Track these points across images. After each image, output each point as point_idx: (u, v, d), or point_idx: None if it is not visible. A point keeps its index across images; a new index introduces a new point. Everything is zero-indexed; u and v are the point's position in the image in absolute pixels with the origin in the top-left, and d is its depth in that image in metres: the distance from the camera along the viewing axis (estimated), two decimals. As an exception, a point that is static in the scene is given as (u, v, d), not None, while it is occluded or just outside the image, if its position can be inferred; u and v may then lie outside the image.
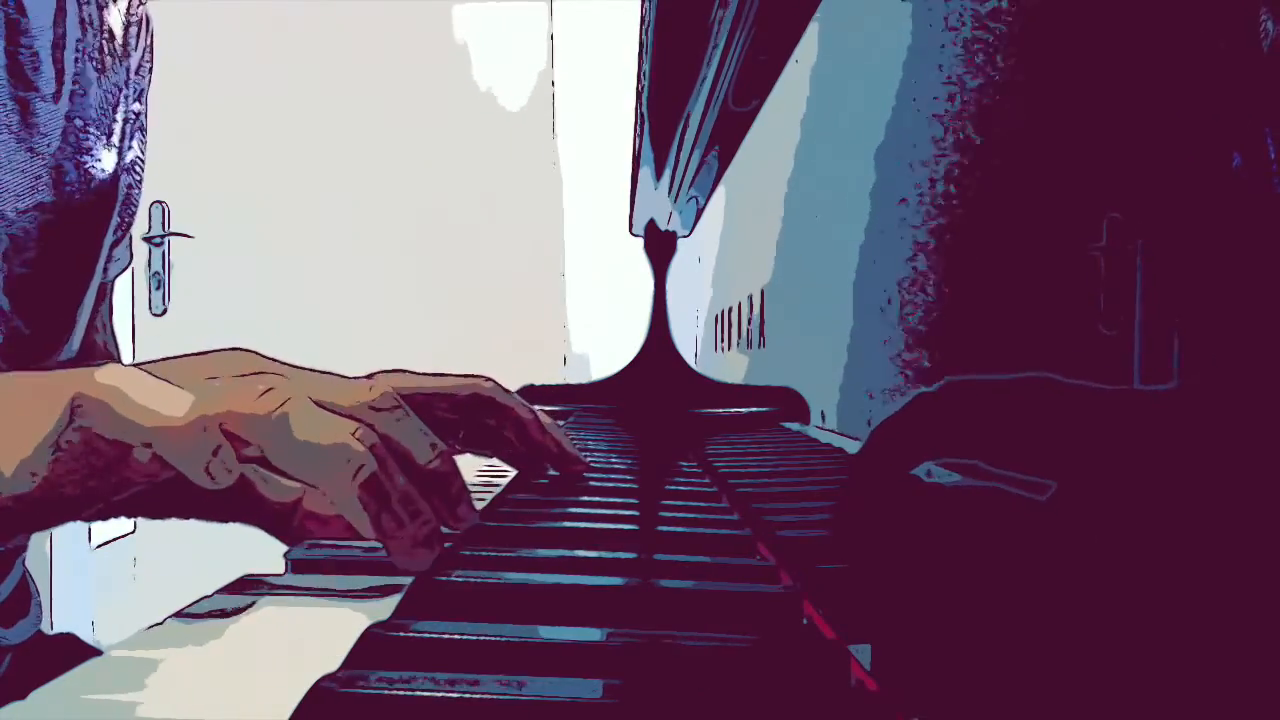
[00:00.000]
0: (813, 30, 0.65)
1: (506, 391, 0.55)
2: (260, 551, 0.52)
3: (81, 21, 0.68)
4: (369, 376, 0.48)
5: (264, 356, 0.46)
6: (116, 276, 0.76)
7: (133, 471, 0.40)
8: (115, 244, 0.73)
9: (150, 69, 0.76)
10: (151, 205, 2.56)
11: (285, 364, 0.46)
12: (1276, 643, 0.18)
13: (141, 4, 0.75)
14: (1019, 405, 0.31)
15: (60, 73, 0.65)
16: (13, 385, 0.43)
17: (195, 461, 0.38)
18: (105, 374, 0.40)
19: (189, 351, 0.48)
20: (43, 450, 0.40)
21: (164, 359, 0.46)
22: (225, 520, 0.57)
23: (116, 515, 0.46)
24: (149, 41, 0.76)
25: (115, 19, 0.71)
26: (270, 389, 0.39)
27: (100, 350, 0.76)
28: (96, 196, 0.68)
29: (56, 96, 0.65)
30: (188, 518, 0.56)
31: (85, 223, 0.68)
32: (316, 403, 0.40)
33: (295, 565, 0.48)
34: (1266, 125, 0.19)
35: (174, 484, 0.40)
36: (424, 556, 0.40)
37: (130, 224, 0.76)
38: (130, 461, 0.40)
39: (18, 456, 0.40)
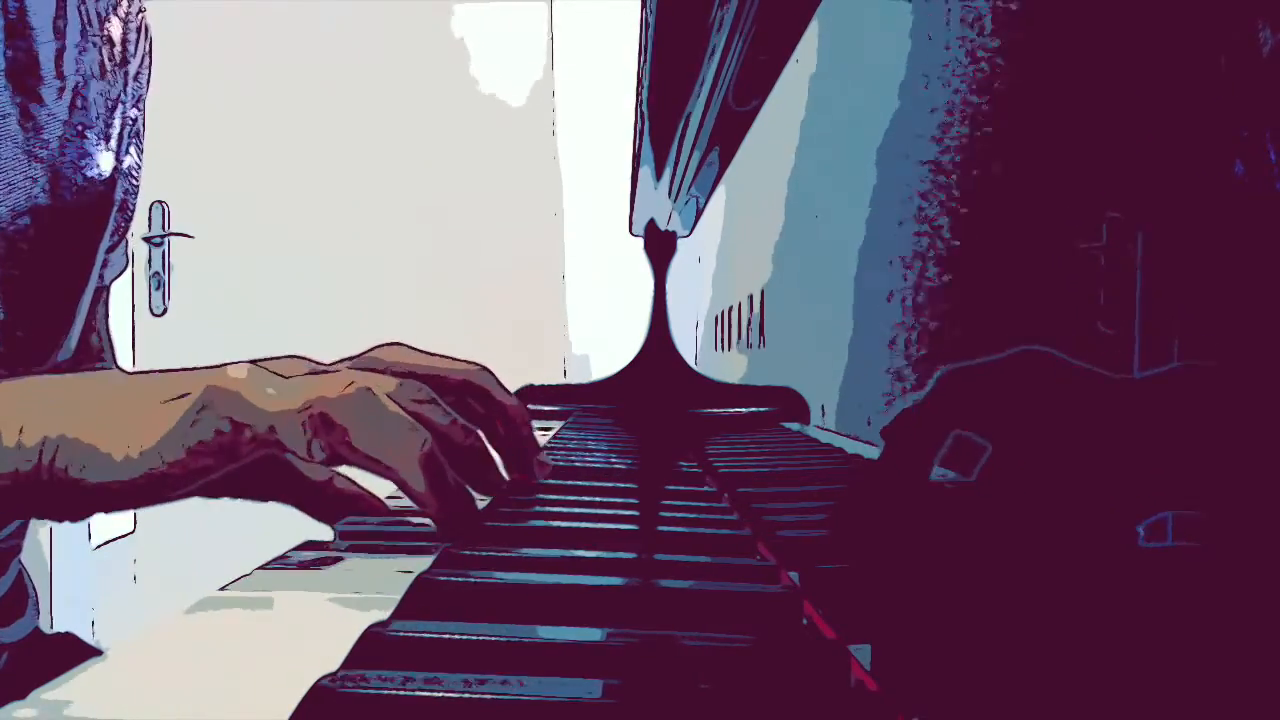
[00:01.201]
0: (813, 30, 0.65)
1: (501, 386, 0.58)
2: (260, 551, 0.52)
3: (83, 27, 0.68)
4: (370, 351, 0.55)
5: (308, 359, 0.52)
6: (113, 280, 0.76)
7: (243, 452, 0.46)
8: (111, 249, 0.73)
9: (148, 76, 0.77)
10: (151, 205, 2.56)
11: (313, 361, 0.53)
12: (1277, 645, 0.18)
13: (141, 11, 0.75)
14: (1022, 388, 0.31)
15: (61, 77, 0.65)
16: (148, 379, 0.48)
17: (302, 441, 0.45)
18: (234, 369, 0.47)
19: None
20: (179, 430, 0.45)
21: (269, 359, 0.51)
22: (268, 499, 0.60)
23: (198, 495, 0.50)
24: (148, 48, 0.76)
25: (115, 25, 0.71)
26: (352, 382, 0.46)
27: (95, 353, 0.76)
28: (94, 201, 0.68)
29: (56, 101, 0.65)
30: (239, 497, 0.60)
31: (82, 227, 0.68)
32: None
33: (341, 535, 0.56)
34: (1267, 128, 0.19)
35: (253, 465, 0.47)
36: (463, 525, 0.48)
37: (127, 230, 0.77)
38: (242, 444, 0.46)
39: (156, 436, 0.45)
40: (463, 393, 0.56)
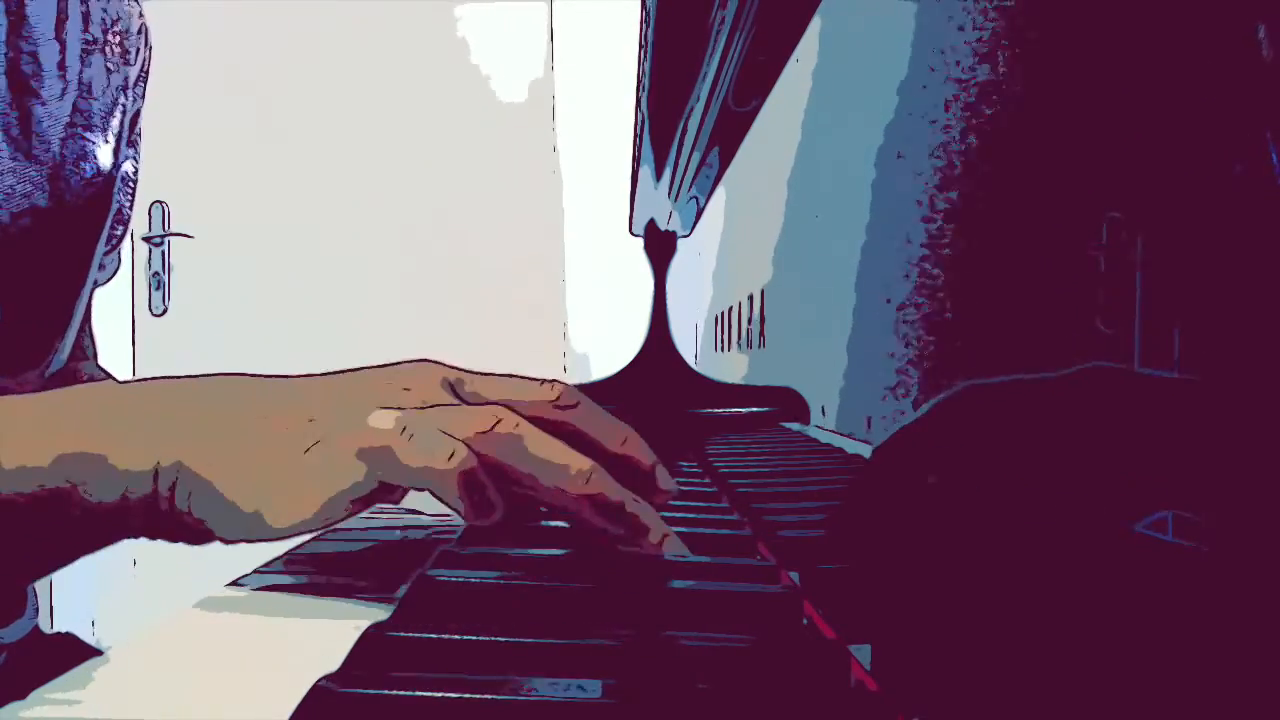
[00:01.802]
0: (813, 30, 0.65)
1: (594, 408, 0.46)
2: (260, 552, 0.52)
3: (84, 28, 0.68)
4: (400, 365, 0.47)
5: (447, 365, 0.46)
6: (104, 283, 0.76)
7: (392, 499, 0.43)
8: (108, 251, 0.74)
9: (146, 82, 0.77)
10: (151, 205, 2.56)
11: (465, 370, 0.46)
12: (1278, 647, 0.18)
13: (141, 16, 0.75)
14: (1035, 414, 0.31)
15: (62, 79, 0.65)
16: (271, 406, 0.43)
17: (456, 499, 0.41)
18: (379, 419, 0.42)
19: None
20: (334, 500, 0.41)
21: (353, 370, 0.46)
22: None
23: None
24: (148, 52, 0.76)
25: (116, 27, 0.71)
26: (500, 419, 0.41)
27: (83, 355, 0.77)
28: (93, 202, 0.68)
29: (57, 102, 0.65)
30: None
31: (81, 228, 0.68)
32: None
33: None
34: (1267, 128, 0.19)
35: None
36: (649, 538, 0.43)
37: (123, 236, 0.77)
38: (393, 497, 0.43)
39: (310, 509, 0.41)
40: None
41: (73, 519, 0.41)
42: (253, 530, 0.41)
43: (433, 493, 0.40)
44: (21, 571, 0.50)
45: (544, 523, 0.52)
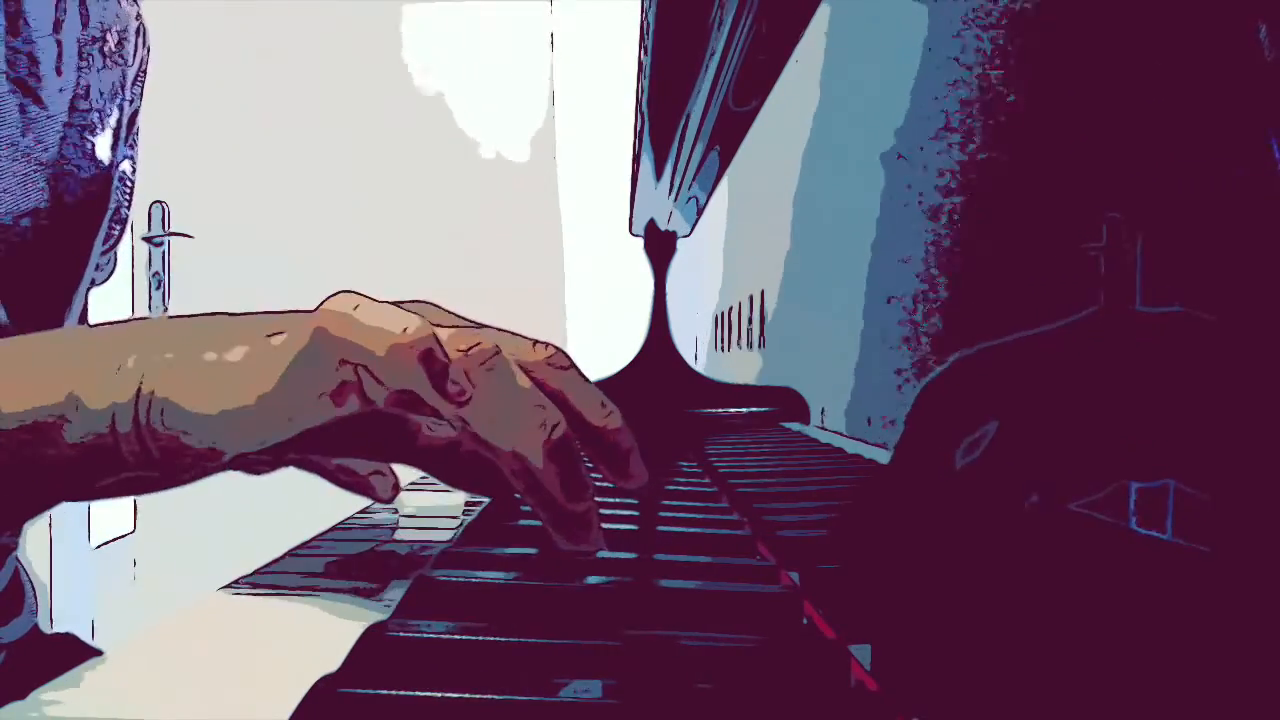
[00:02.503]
0: (813, 30, 0.65)
1: (582, 375, 0.44)
2: (259, 552, 0.52)
3: (82, 28, 0.68)
4: (411, 302, 0.46)
5: (448, 311, 0.45)
6: (102, 283, 0.76)
7: (355, 390, 0.40)
8: (104, 252, 0.74)
9: (144, 81, 0.77)
10: (151, 205, 2.56)
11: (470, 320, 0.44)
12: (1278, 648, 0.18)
13: (139, 16, 0.75)
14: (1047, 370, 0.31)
15: (60, 78, 0.65)
16: (247, 320, 0.42)
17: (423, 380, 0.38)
18: (336, 302, 0.40)
19: None
20: (294, 369, 0.40)
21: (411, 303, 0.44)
22: (388, 459, 0.52)
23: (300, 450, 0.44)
24: (145, 51, 0.76)
25: (114, 27, 0.71)
26: (479, 342, 0.39)
27: None
28: (91, 201, 0.68)
29: (56, 102, 0.65)
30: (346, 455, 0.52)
31: (80, 227, 0.68)
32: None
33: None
34: (1268, 128, 0.19)
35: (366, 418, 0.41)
36: (591, 537, 0.39)
37: (121, 235, 0.77)
38: (350, 384, 0.39)
39: (269, 383, 0.39)
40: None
41: (57, 459, 0.41)
42: (225, 427, 0.39)
43: (385, 380, 0.38)
44: (11, 510, 0.50)
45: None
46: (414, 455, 0.50)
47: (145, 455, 0.41)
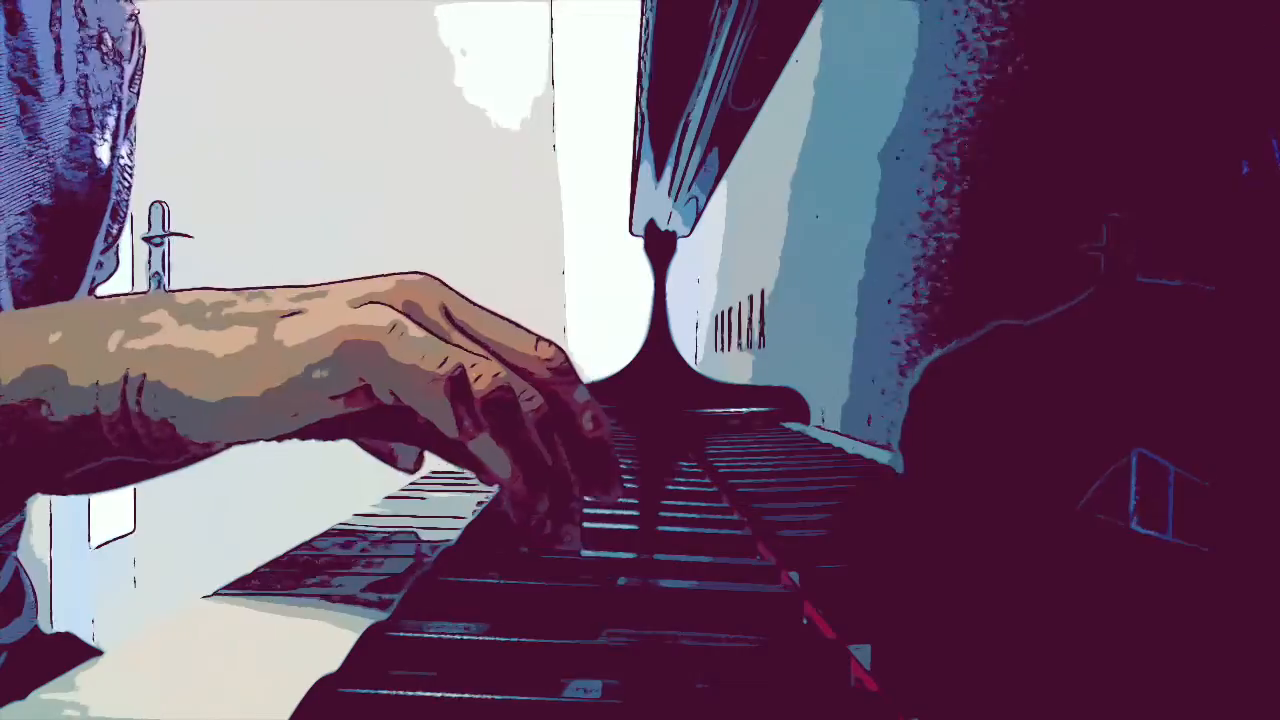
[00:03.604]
0: (813, 30, 0.65)
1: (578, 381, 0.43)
2: (260, 552, 0.52)
3: (79, 27, 0.68)
4: (395, 276, 0.44)
5: (450, 288, 0.44)
6: (103, 283, 0.76)
7: (367, 393, 0.39)
8: (105, 249, 0.74)
9: (141, 80, 0.77)
10: (151, 205, 2.56)
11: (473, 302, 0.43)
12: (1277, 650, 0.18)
13: (134, 15, 0.76)
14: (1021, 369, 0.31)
15: (60, 77, 0.66)
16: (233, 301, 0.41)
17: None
18: (371, 314, 0.39)
19: None
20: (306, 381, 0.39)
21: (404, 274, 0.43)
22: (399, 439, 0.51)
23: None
24: (141, 51, 0.76)
25: (111, 27, 0.72)
26: (497, 373, 0.38)
27: None
28: (91, 199, 0.68)
29: (56, 100, 0.65)
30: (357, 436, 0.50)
31: (80, 225, 0.68)
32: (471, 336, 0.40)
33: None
34: (1272, 130, 0.19)
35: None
36: (570, 536, 0.38)
37: (120, 233, 0.77)
38: (364, 389, 0.39)
39: (279, 379, 0.38)
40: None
41: (42, 436, 0.39)
42: (220, 420, 0.38)
43: (411, 404, 0.37)
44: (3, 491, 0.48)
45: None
46: (414, 437, 0.48)
47: (131, 439, 0.39)
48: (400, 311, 0.39)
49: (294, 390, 0.38)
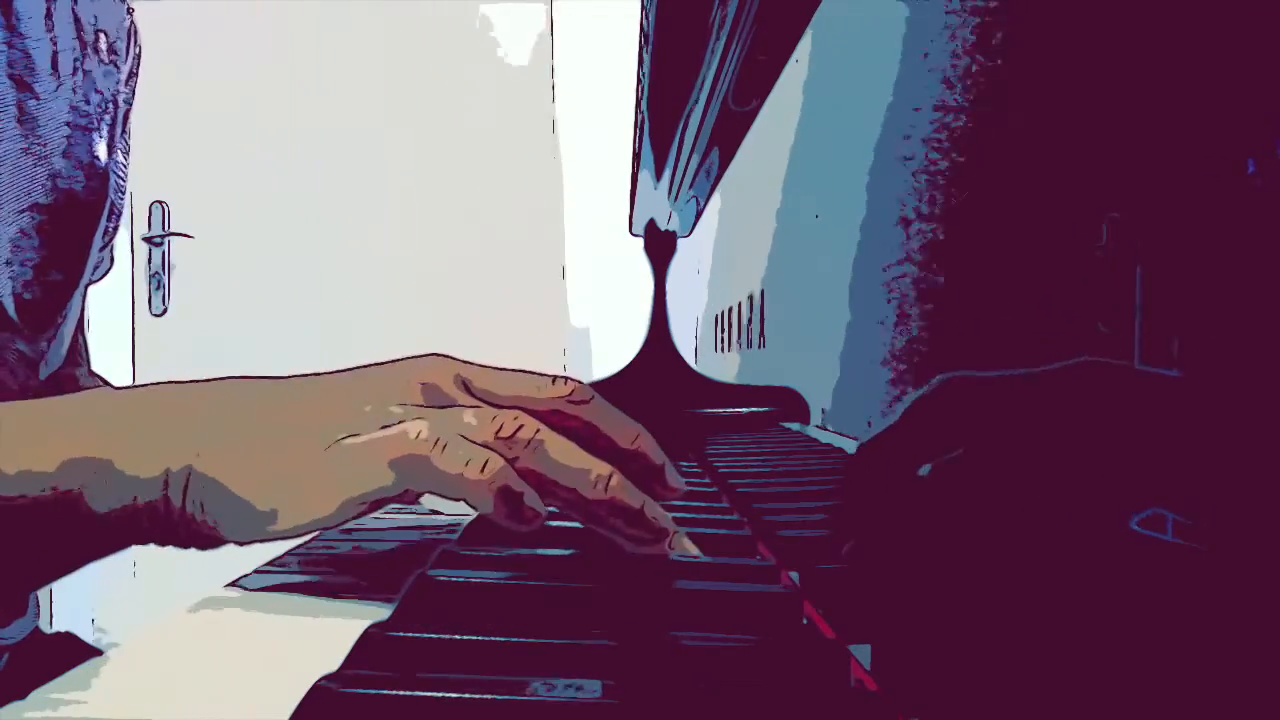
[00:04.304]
0: (812, 30, 0.65)
1: (608, 409, 0.45)
2: (259, 551, 0.52)
3: (76, 28, 0.68)
4: (409, 360, 0.46)
5: (458, 360, 0.45)
6: (98, 280, 0.76)
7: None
8: (100, 249, 0.74)
9: (136, 80, 0.77)
10: (151, 205, 2.56)
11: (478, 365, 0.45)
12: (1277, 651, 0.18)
13: (129, 15, 0.76)
14: (1018, 403, 0.31)
15: (56, 77, 0.66)
16: (297, 405, 0.43)
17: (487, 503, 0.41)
18: (412, 427, 0.41)
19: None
20: (354, 497, 0.41)
21: (413, 360, 0.45)
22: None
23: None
24: (137, 52, 0.77)
25: (107, 27, 0.72)
26: (521, 425, 0.41)
27: (78, 359, 0.77)
28: (89, 198, 0.69)
29: (53, 100, 0.65)
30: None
31: (79, 224, 0.68)
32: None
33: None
34: (1274, 129, 0.19)
35: None
36: (661, 543, 0.43)
37: (115, 232, 0.77)
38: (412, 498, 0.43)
39: (329, 505, 0.40)
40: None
41: (78, 525, 0.40)
42: (266, 529, 0.40)
43: (467, 501, 0.40)
44: (25, 577, 0.49)
45: (545, 522, 0.52)
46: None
47: (170, 531, 0.40)
48: (423, 403, 0.42)
49: (341, 511, 0.40)
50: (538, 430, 0.41)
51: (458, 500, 0.40)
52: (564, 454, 0.41)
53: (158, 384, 0.45)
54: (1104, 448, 0.25)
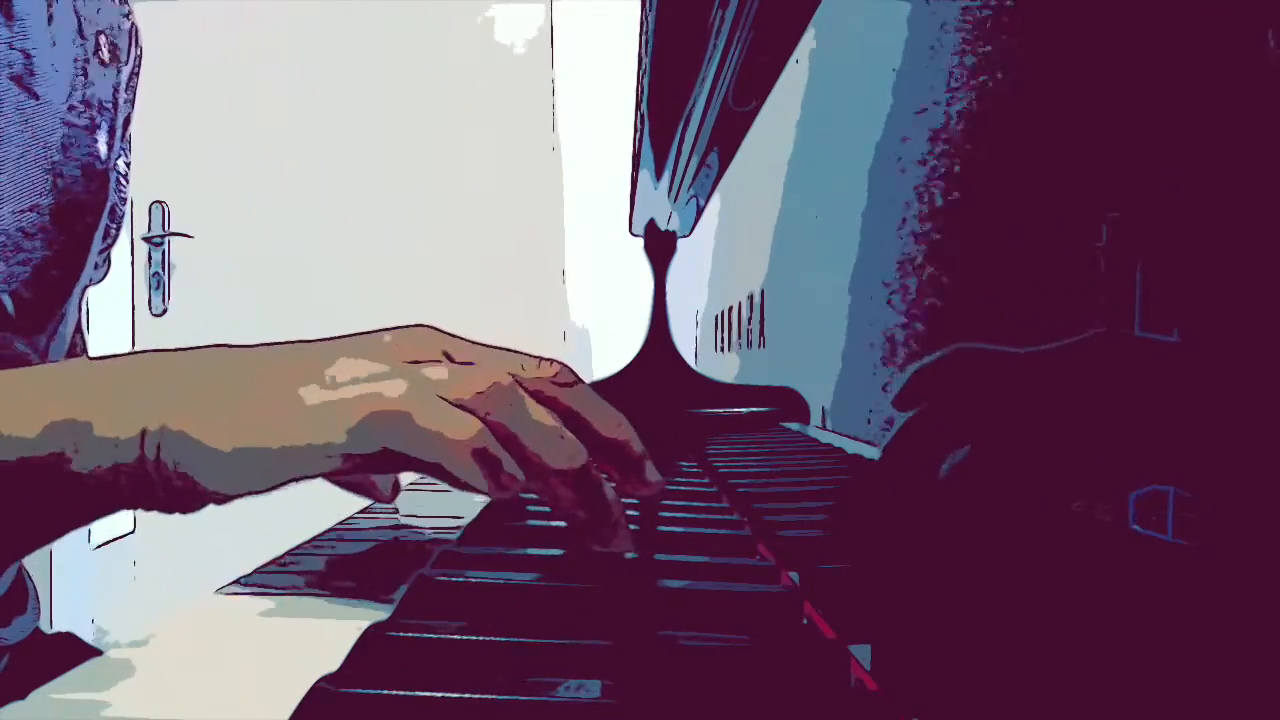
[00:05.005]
0: (812, 30, 0.65)
1: (590, 393, 0.45)
2: (259, 552, 0.52)
3: (77, 28, 0.68)
4: (397, 329, 0.46)
5: (446, 334, 0.46)
6: (98, 283, 0.76)
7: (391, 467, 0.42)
8: (102, 250, 0.74)
9: (137, 81, 0.77)
10: (151, 205, 2.56)
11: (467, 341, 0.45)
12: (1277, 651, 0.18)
13: (130, 16, 0.76)
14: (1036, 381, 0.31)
15: (57, 79, 0.66)
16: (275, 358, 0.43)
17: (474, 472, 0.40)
18: (392, 386, 0.41)
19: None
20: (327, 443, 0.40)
21: (401, 329, 0.45)
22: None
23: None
24: (138, 54, 0.77)
25: (108, 30, 0.72)
26: (498, 381, 0.41)
27: (81, 354, 0.77)
28: (90, 201, 0.69)
29: (54, 100, 0.66)
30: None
31: (79, 226, 0.68)
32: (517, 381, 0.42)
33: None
34: (1273, 129, 0.19)
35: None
36: (617, 540, 0.42)
37: (117, 235, 0.77)
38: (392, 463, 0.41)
39: (303, 438, 0.40)
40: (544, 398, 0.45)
41: (61, 489, 0.40)
42: (240, 478, 0.39)
43: (441, 468, 0.39)
44: (13, 543, 0.49)
45: (544, 523, 0.52)
46: (424, 467, 0.50)
47: (147, 488, 0.40)
48: (407, 363, 0.41)
49: (311, 451, 0.39)
50: (516, 389, 0.41)
51: (433, 464, 0.39)
52: (539, 416, 0.41)
53: (138, 351, 0.45)
54: (1112, 419, 0.25)
